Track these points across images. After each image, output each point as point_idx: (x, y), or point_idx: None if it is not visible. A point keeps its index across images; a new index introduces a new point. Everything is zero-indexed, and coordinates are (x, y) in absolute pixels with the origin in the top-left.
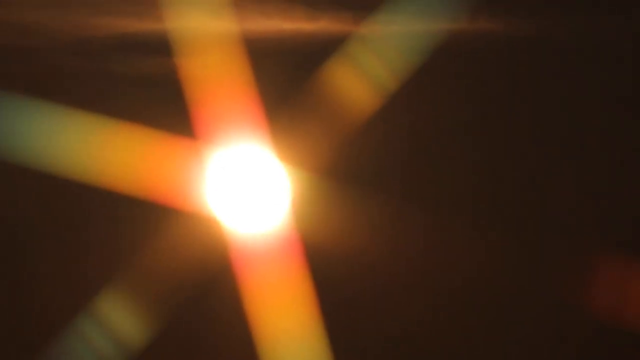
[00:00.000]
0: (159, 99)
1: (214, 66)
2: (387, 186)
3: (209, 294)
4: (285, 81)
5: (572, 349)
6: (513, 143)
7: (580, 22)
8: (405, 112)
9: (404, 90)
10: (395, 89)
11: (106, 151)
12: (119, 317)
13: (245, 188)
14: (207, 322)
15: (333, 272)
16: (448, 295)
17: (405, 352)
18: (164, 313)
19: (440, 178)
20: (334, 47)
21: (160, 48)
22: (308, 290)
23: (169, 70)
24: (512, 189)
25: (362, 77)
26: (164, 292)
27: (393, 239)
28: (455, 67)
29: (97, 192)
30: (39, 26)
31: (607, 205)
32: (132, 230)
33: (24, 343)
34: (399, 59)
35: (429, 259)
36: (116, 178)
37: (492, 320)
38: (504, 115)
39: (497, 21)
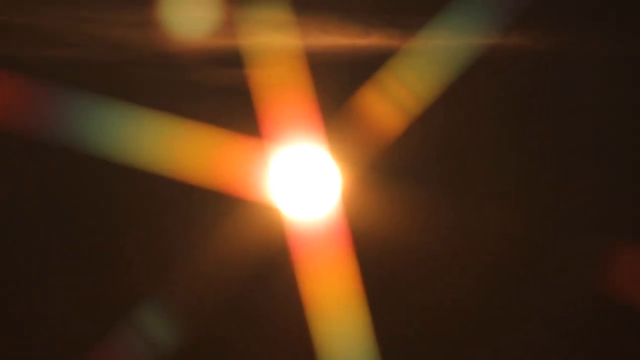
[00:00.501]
0: (231, 104)
1: (279, 76)
2: (424, 180)
3: (271, 271)
4: (340, 89)
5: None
6: (537, 146)
7: (606, 36)
8: (443, 116)
9: (443, 97)
10: (435, 96)
11: (186, 149)
12: (189, 294)
13: (303, 180)
14: (269, 298)
15: (376, 252)
16: (477, 272)
17: (438, 322)
18: (231, 288)
19: (472, 174)
20: (384, 60)
21: (233, 61)
22: (353, 267)
23: (240, 80)
24: (536, 184)
25: (407, 87)
26: (231, 270)
27: (428, 224)
28: (489, 77)
29: (176, 184)
30: (127, 42)
31: (623, 205)
32: (205, 216)
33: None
34: (440, 70)
35: (459, 242)
36: (193, 172)
37: (515, 297)
38: (527, 121)
39: (527, 37)
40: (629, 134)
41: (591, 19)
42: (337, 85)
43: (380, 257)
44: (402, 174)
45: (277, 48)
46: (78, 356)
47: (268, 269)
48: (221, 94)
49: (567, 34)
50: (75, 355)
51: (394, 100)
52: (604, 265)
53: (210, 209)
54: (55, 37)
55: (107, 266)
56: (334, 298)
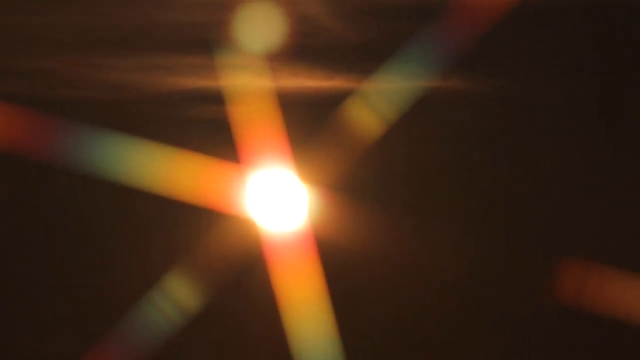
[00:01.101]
0: (214, 135)
1: (254, 112)
2: (385, 200)
3: (247, 277)
4: (306, 124)
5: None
6: (481, 171)
7: (539, 81)
8: (396, 146)
9: (392, 131)
10: (387, 130)
11: (175, 173)
12: (177, 295)
13: (274, 198)
14: (244, 299)
15: (340, 264)
16: (438, 284)
17: (400, 332)
18: (211, 291)
19: (429, 192)
20: (344, 99)
21: (216, 99)
22: (319, 276)
23: (222, 115)
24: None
25: (362, 122)
26: (211, 275)
27: (390, 239)
28: (431, 114)
29: (167, 201)
30: (127, 84)
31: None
32: (190, 229)
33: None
34: (390, 108)
35: (420, 256)
36: (181, 192)
37: (473, 310)
38: (467, 151)
39: (466, 81)
40: (563, 162)
41: (520, 65)
42: (304, 120)
43: (344, 268)
44: (363, 193)
45: (253, 89)
46: None
47: (244, 275)
48: (205, 127)
49: (499, 78)
50: None
51: (353, 134)
52: (557, 279)
53: (195, 223)
54: (66, 80)
55: (97, 275)
56: (301, 302)
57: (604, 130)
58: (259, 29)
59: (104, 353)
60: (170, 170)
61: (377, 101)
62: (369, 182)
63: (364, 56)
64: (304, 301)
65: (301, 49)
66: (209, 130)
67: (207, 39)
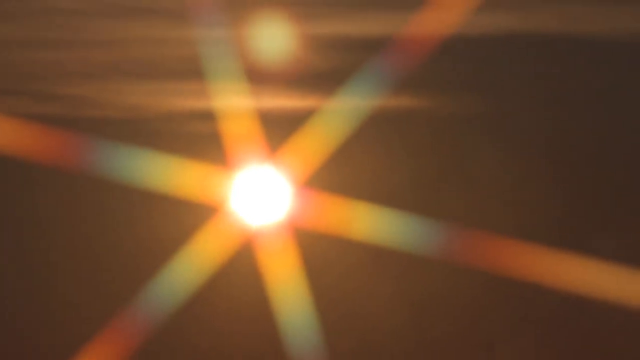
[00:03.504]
0: (212, 146)
1: (240, 128)
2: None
3: (232, 268)
4: (284, 135)
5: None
6: (434, 181)
7: (480, 99)
8: (349, 159)
9: (350, 143)
10: (344, 142)
11: (177, 175)
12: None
13: (259, 196)
14: (226, 287)
15: (321, 259)
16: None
17: (378, 330)
18: (197, 280)
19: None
20: (312, 115)
21: (212, 116)
22: (299, 271)
23: (215, 129)
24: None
25: (331, 131)
26: (199, 267)
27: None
28: (383, 129)
29: (171, 200)
30: (141, 105)
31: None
32: (185, 224)
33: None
34: (349, 123)
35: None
36: (181, 191)
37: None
38: (421, 165)
39: (415, 98)
40: (515, 195)
41: (464, 83)
42: (282, 132)
43: (324, 263)
44: (335, 191)
45: (238, 108)
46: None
47: (231, 266)
48: (204, 139)
49: (445, 95)
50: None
51: (316, 143)
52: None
53: (189, 219)
54: (91, 102)
55: (100, 269)
56: (282, 291)
57: (543, 146)
58: (245, 61)
59: (109, 336)
60: (172, 174)
61: (340, 116)
62: (340, 179)
63: (330, 80)
64: (288, 295)
65: (279, 75)
66: (207, 142)
67: (204, 68)
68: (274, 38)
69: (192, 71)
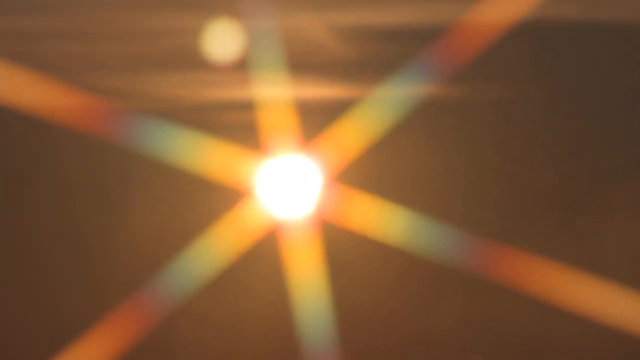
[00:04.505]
0: (246, 134)
1: (277, 117)
2: (390, 192)
3: (257, 256)
4: (318, 126)
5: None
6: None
7: (508, 89)
8: (392, 150)
9: (392, 134)
10: (386, 134)
11: (212, 161)
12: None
13: (289, 187)
14: (253, 277)
15: (345, 255)
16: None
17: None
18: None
19: (423, 198)
20: (352, 105)
21: (244, 107)
22: (322, 266)
23: (252, 119)
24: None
25: (365, 126)
26: (218, 250)
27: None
28: (429, 124)
29: (204, 184)
30: (172, 96)
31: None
32: (216, 208)
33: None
34: (390, 115)
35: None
36: (209, 175)
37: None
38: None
39: (453, 87)
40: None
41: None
42: (317, 123)
43: (347, 259)
44: (369, 188)
45: (275, 98)
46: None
47: (256, 254)
48: (234, 130)
49: (499, 86)
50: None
51: (355, 135)
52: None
53: (217, 204)
54: (125, 93)
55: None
56: (306, 287)
57: (597, 132)
58: (278, 52)
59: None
60: (207, 160)
61: (378, 108)
62: (375, 176)
63: (374, 70)
64: (308, 286)
65: (320, 64)
66: (237, 132)
67: (237, 58)
68: (313, 26)
69: (224, 61)
